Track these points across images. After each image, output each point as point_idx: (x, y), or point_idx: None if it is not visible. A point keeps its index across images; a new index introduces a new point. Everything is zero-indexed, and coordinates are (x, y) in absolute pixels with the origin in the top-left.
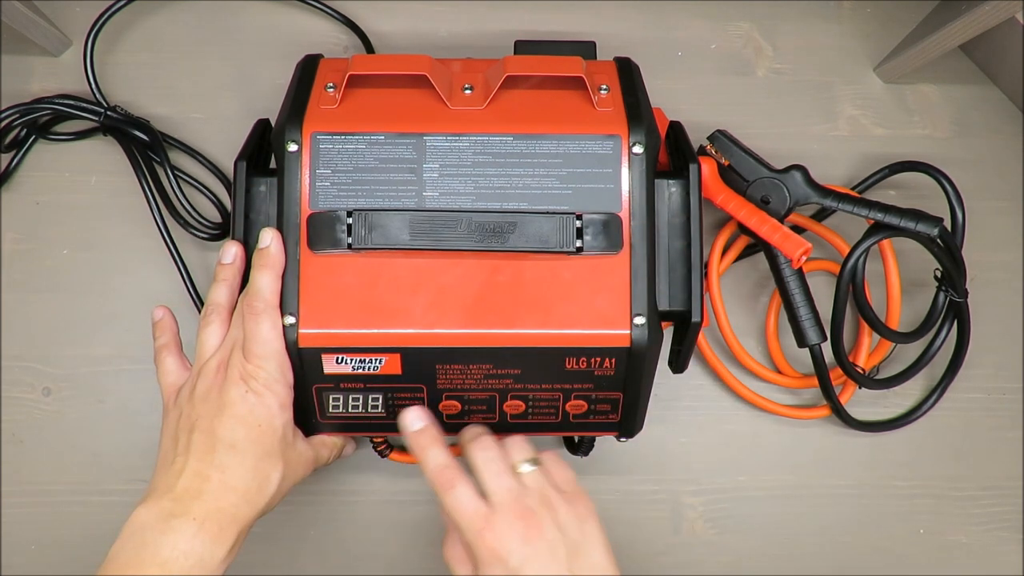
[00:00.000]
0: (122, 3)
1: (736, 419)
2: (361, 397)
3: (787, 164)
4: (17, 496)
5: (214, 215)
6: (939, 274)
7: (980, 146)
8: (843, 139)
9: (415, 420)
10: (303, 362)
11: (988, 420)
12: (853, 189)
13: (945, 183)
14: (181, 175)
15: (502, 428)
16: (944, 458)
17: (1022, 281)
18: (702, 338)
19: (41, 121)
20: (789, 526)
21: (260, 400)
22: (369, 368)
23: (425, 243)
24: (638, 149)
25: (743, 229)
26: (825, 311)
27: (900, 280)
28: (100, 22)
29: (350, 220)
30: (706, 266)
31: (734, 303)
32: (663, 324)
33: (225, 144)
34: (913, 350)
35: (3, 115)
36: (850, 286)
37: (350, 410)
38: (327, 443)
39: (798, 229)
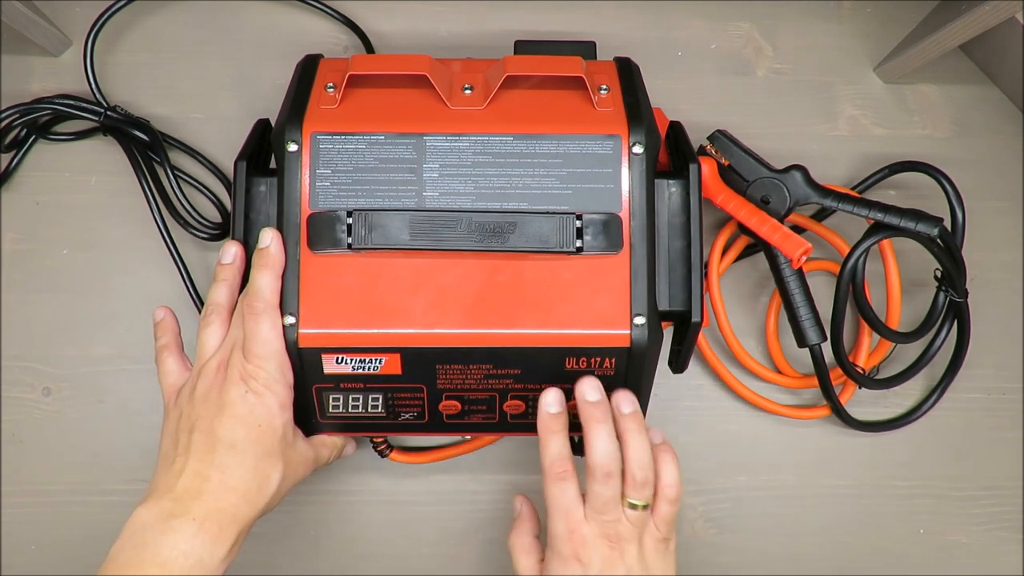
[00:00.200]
0: (122, 3)
1: (736, 419)
2: (361, 397)
3: (787, 164)
4: (17, 496)
5: (214, 215)
6: (939, 274)
7: (980, 146)
8: (843, 139)
9: (552, 403)
10: (303, 362)
11: (988, 420)
12: (853, 189)
13: (945, 183)
14: (181, 175)
15: (502, 428)
16: (944, 458)
17: (1022, 281)
18: (702, 338)
19: (41, 121)
20: (789, 526)
21: (260, 400)
22: (369, 368)
23: (425, 243)
24: (638, 149)
25: (743, 229)
26: (825, 311)
27: (900, 280)
28: (100, 22)
29: (350, 220)
30: (706, 266)
31: (734, 303)
32: (663, 324)
33: (225, 144)
34: (913, 350)
35: (3, 115)
36: (850, 286)
37: (350, 410)
38: (327, 443)
39: (798, 229)
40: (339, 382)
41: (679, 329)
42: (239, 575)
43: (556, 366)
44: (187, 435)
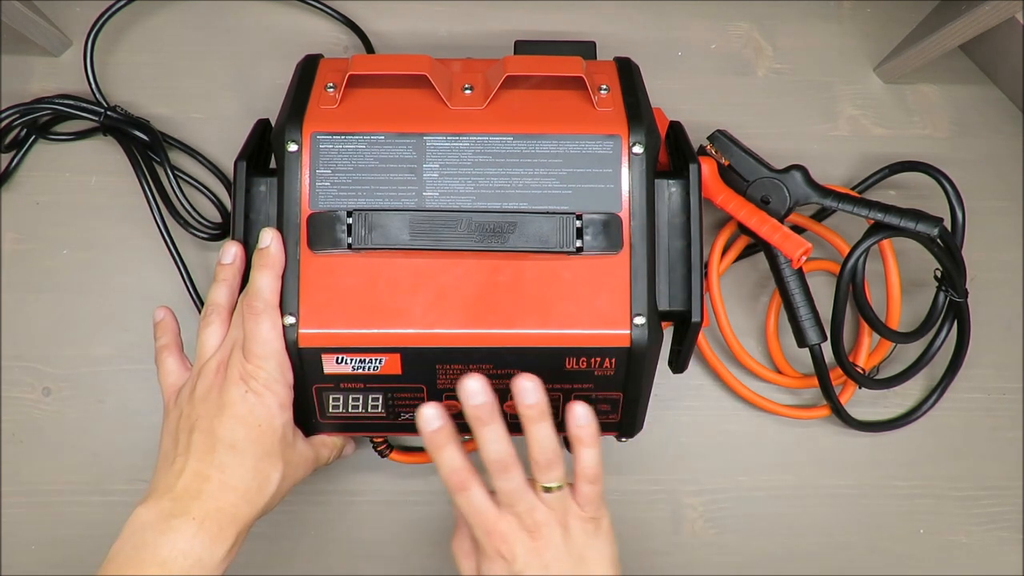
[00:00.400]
0: (122, 3)
1: (736, 419)
2: (361, 397)
3: (787, 164)
4: (17, 496)
5: (214, 215)
6: (939, 274)
7: (980, 146)
8: (843, 139)
9: (432, 419)
10: (303, 362)
11: (988, 420)
12: (853, 189)
13: (945, 183)
14: (181, 175)
15: None
16: (944, 458)
17: (1022, 281)
18: (702, 338)
19: (41, 121)
20: (789, 526)
21: (260, 400)
22: (369, 368)
23: (425, 243)
24: (638, 149)
25: (743, 229)
26: (825, 311)
27: (900, 280)
28: (100, 22)
29: (350, 220)
30: (706, 266)
31: (734, 303)
32: (663, 324)
33: (225, 144)
34: (913, 350)
35: (3, 115)
36: (850, 286)
37: (350, 410)
38: (327, 443)
39: (798, 229)
40: (339, 382)
41: (679, 329)
42: (239, 575)
43: (556, 366)
44: (187, 435)
